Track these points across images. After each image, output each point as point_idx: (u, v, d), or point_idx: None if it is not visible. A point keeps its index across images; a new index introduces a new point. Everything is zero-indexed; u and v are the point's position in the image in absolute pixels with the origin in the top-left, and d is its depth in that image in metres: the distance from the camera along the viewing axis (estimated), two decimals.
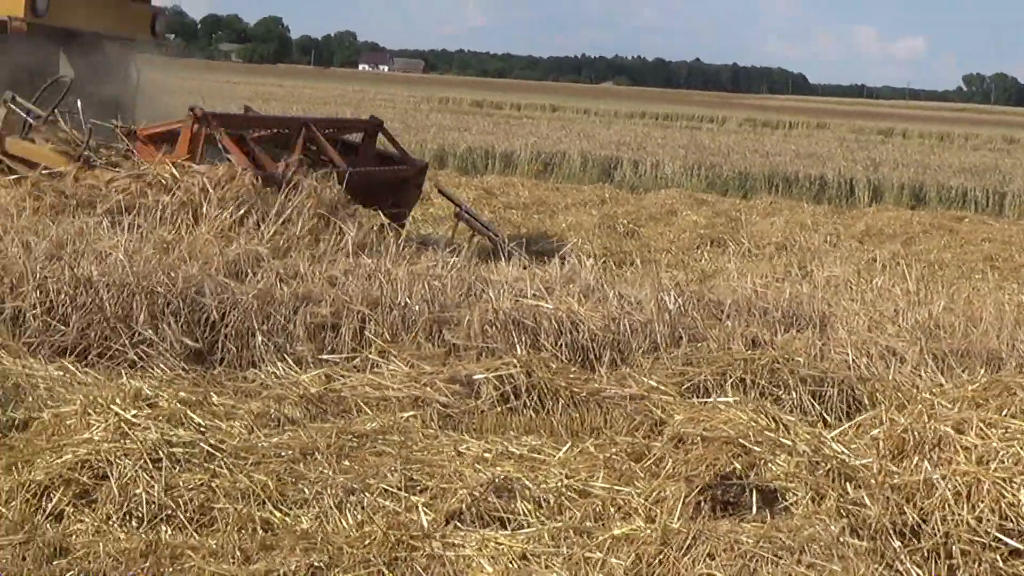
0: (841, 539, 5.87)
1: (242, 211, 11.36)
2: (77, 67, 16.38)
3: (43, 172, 12.43)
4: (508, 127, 40.00)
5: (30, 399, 7.44)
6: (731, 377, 8.64)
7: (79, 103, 13.31)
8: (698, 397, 8.29)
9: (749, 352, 9.04)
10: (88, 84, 15.48)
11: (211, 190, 11.59)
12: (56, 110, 13.16)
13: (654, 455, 6.79)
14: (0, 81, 14.74)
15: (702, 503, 6.23)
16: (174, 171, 11.96)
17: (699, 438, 6.71)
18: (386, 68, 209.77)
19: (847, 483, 6.48)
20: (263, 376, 8.59)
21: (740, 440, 6.66)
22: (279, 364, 8.75)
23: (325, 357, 8.97)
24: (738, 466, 6.48)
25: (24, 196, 11.96)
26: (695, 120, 65.27)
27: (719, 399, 7.70)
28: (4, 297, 9.16)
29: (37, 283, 9.19)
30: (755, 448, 6.67)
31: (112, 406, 6.73)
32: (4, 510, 6.05)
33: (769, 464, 6.59)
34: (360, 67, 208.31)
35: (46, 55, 16.23)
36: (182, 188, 11.67)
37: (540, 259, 12.17)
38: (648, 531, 5.87)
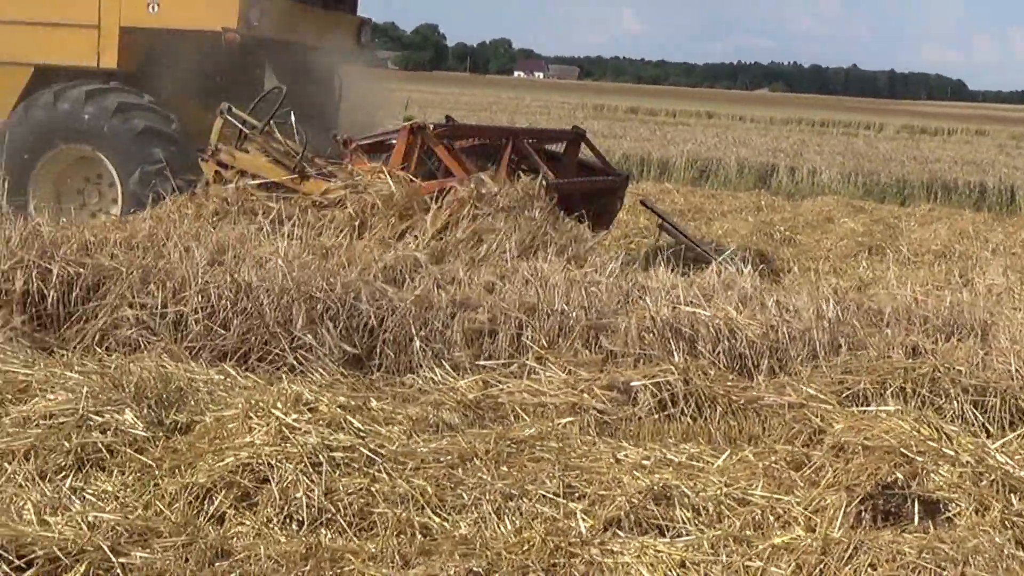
0: (1006, 551, 5.75)
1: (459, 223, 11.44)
2: (283, 77, 16.48)
3: (258, 182, 12.66)
4: (663, 134, 39.89)
5: (192, 402, 7.53)
6: (891, 386, 8.52)
7: (292, 114, 13.51)
8: (857, 406, 8.17)
9: (909, 361, 8.90)
10: (293, 94, 15.75)
11: (431, 205, 11.68)
12: (271, 120, 13.30)
13: (814, 464, 6.71)
14: (210, 91, 14.95)
15: (863, 513, 6.14)
16: (390, 181, 12.08)
17: (860, 447, 6.62)
18: (541, 75, 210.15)
19: (1012, 494, 6.35)
20: (420, 382, 8.64)
21: (902, 450, 6.55)
22: (436, 370, 8.79)
23: (482, 363, 9.00)
24: (900, 476, 6.37)
25: (186, 203, 12.19)
26: (852, 127, 64.54)
27: (880, 408, 7.58)
28: (167, 302, 9.32)
29: (199, 288, 9.34)
30: (917, 458, 6.55)
31: (273, 410, 6.79)
32: (168, 512, 6.13)
33: (931, 474, 6.48)
34: (516, 74, 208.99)
35: (254, 65, 16.46)
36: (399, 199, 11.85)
37: (698, 266, 12.08)
38: (808, 540, 5.80)
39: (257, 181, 12.61)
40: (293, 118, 13.34)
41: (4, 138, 14.33)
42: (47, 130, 14.25)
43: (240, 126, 13.17)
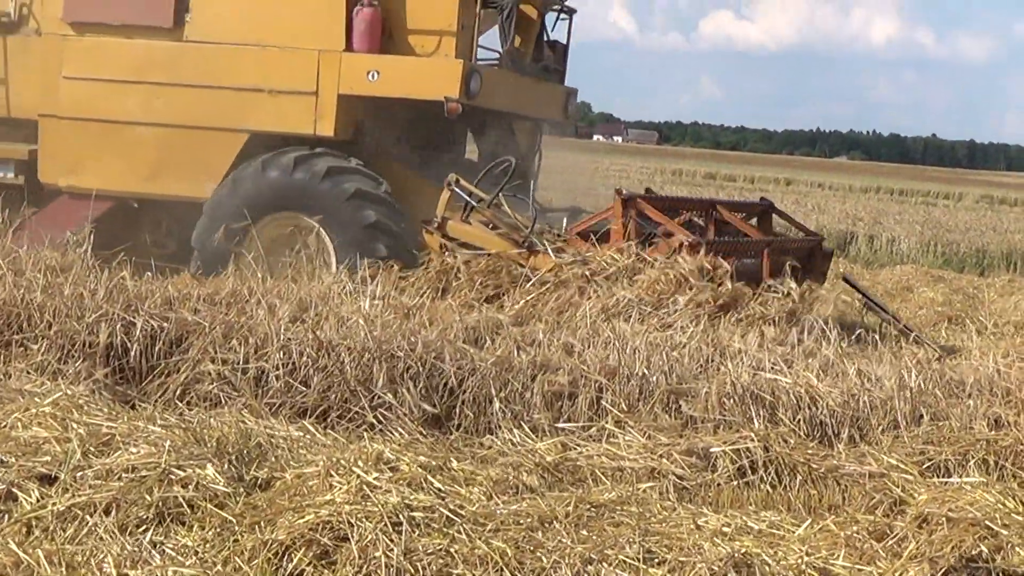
0: None
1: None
2: (483, 145, 16.71)
3: (484, 255, 12.78)
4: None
5: (272, 459, 7.53)
6: (973, 457, 8.43)
7: (532, 185, 13.64)
8: (939, 477, 8.09)
9: (992, 432, 8.82)
10: (489, 162, 15.81)
11: (689, 274, 11.76)
12: (502, 193, 13.40)
13: (896, 534, 6.62)
14: (418, 159, 15.20)
15: None
16: (625, 257, 12.19)
17: (944, 519, 6.54)
18: (620, 139, 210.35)
19: None
20: (499, 443, 8.62)
21: (986, 522, 6.47)
22: (515, 431, 8.77)
23: (561, 426, 8.98)
24: (984, 549, 6.28)
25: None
26: (931, 196, 64.17)
27: (965, 480, 7.49)
28: (248, 358, 9.37)
29: (281, 344, 9.39)
30: (1002, 531, 6.48)
31: (354, 468, 6.79)
32: (247, 568, 6.13)
33: (1017, 548, 6.39)
34: (595, 137, 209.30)
35: (458, 133, 16.67)
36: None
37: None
38: None
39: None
40: (532, 191, 13.52)
41: (231, 192, 14.42)
42: (257, 198, 14.29)
43: (467, 198, 13.26)
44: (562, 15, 16.79)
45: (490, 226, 13.22)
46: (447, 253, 13.05)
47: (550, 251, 12.63)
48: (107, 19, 15.17)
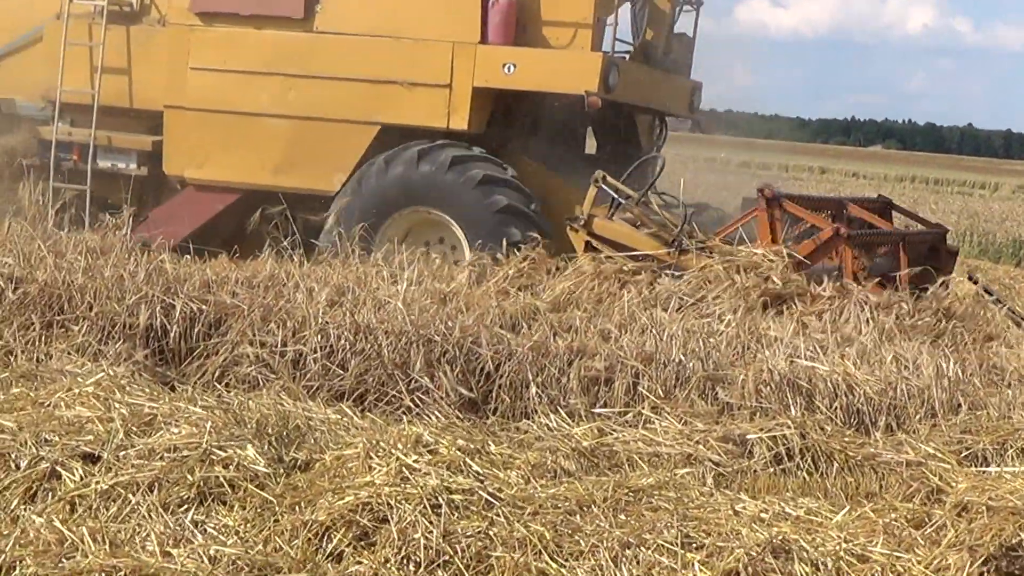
0: None
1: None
2: (603, 139, 16.72)
3: (631, 255, 12.65)
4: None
5: (311, 441, 7.58)
6: (1012, 447, 8.41)
7: (682, 184, 13.70)
8: (976, 466, 8.08)
9: None
10: (615, 155, 15.78)
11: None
12: (650, 191, 13.31)
13: (935, 523, 6.62)
14: (546, 153, 15.07)
15: (986, 574, 6.05)
16: (775, 257, 12.14)
17: (984, 507, 6.52)
18: None
19: None
20: (536, 428, 8.64)
21: None
22: (552, 416, 8.79)
23: (598, 411, 9.00)
24: None
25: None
26: (967, 186, 63.84)
27: (1005, 468, 7.49)
28: (287, 340, 9.43)
29: (319, 328, 9.44)
30: None
31: (394, 451, 6.83)
32: (287, 548, 6.17)
33: None
34: None
35: (577, 127, 16.55)
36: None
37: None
38: None
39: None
40: (681, 190, 13.49)
41: (356, 192, 14.39)
42: (383, 196, 14.25)
43: (614, 195, 13.15)
44: (688, 7, 16.64)
45: (637, 224, 13.08)
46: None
47: (694, 251, 12.51)
48: (237, 10, 15.07)
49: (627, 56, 15.38)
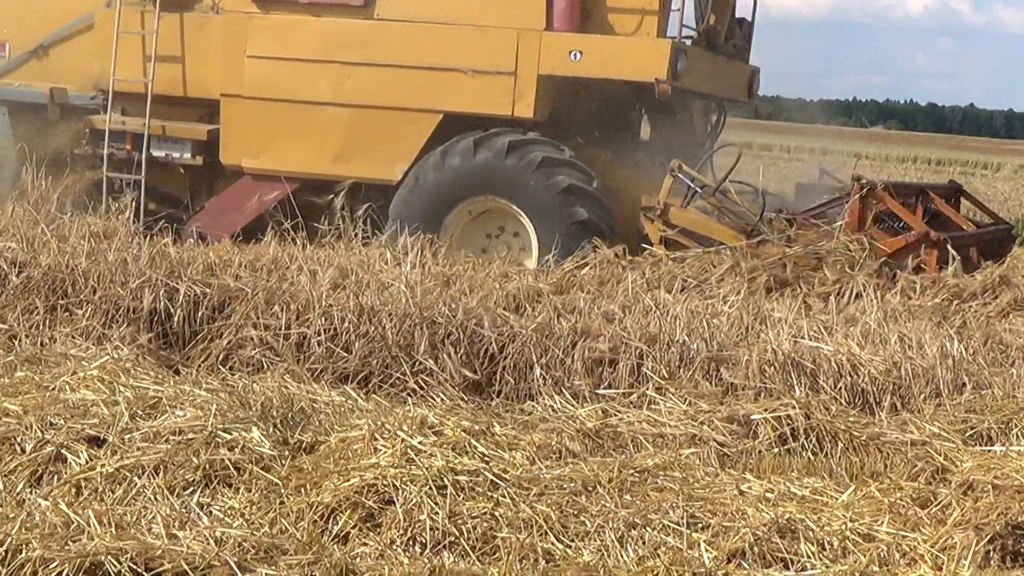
0: None
1: None
2: (657, 125, 16.43)
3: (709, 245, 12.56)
4: (777, 169, 39.55)
5: (316, 423, 7.59)
6: (1016, 426, 8.39)
7: (760, 173, 13.44)
8: (981, 445, 8.08)
9: None
10: (668, 142, 15.60)
11: None
12: (727, 180, 13.27)
13: (940, 502, 6.62)
14: (607, 140, 15.03)
15: (991, 553, 6.05)
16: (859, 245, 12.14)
17: (989, 486, 6.53)
18: None
19: None
20: (540, 409, 8.65)
21: None
22: (556, 398, 8.79)
23: (602, 392, 9.00)
24: None
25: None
26: (968, 165, 63.66)
27: (1011, 447, 7.49)
28: (290, 323, 9.44)
29: (322, 310, 9.44)
30: None
31: (399, 432, 6.83)
32: (293, 530, 6.17)
33: None
34: None
35: (632, 114, 16.35)
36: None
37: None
38: None
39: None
40: (761, 177, 13.24)
41: (414, 187, 14.19)
42: (460, 181, 14.06)
43: (691, 184, 13.06)
44: None
45: (714, 214, 13.01)
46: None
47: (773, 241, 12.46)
48: None
49: (690, 41, 15.15)
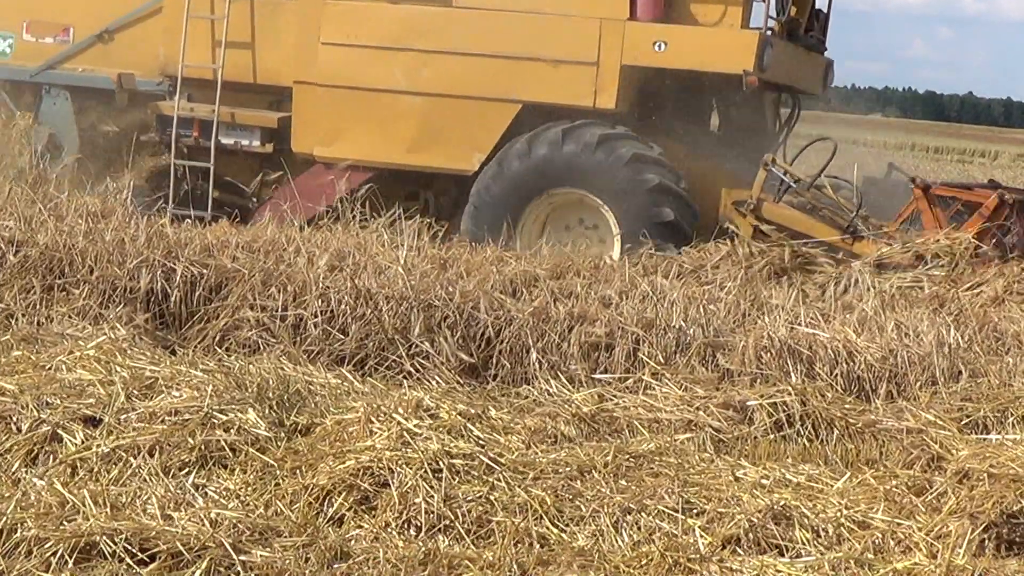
0: None
1: None
2: (727, 117, 16.21)
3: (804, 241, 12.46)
4: (778, 155, 39.56)
5: (312, 405, 7.59)
6: (1012, 414, 8.40)
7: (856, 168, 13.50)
8: (977, 433, 8.08)
9: None
10: (736, 135, 15.51)
11: None
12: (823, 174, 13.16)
13: (936, 490, 6.63)
14: (681, 133, 14.73)
15: (987, 541, 6.07)
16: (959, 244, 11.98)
17: (984, 474, 6.53)
18: None
19: None
20: (536, 393, 8.67)
21: None
22: (552, 382, 8.80)
23: (598, 377, 9.01)
24: None
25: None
26: (966, 154, 63.66)
27: (1007, 436, 7.50)
28: (287, 305, 9.43)
29: (319, 292, 9.44)
30: None
31: (395, 415, 6.83)
32: (288, 512, 6.19)
33: None
34: None
35: (704, 105, 16.07)
36: None
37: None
38: (931, 567, 5.74)
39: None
40: (855, 174, 13.25)
41: (497, 174, 13.98)
42: (546, 171, 13.81)
43: (784, 179, 12.92)
44: None
45: (809, 209, 12.89)
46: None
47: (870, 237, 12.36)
48: None
49: (770, 33, 14.79)
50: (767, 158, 13.07)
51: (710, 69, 13.91)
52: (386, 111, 14.47)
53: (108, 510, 5.80)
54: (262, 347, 9.19)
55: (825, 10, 16.35)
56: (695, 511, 6.35)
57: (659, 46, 13.76)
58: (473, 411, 7.27)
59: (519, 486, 6.41)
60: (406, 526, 6.13)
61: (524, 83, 14.11)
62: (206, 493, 6.30)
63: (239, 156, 15.19)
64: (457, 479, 6.41)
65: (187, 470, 6.49)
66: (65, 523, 5.63)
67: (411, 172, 14.59)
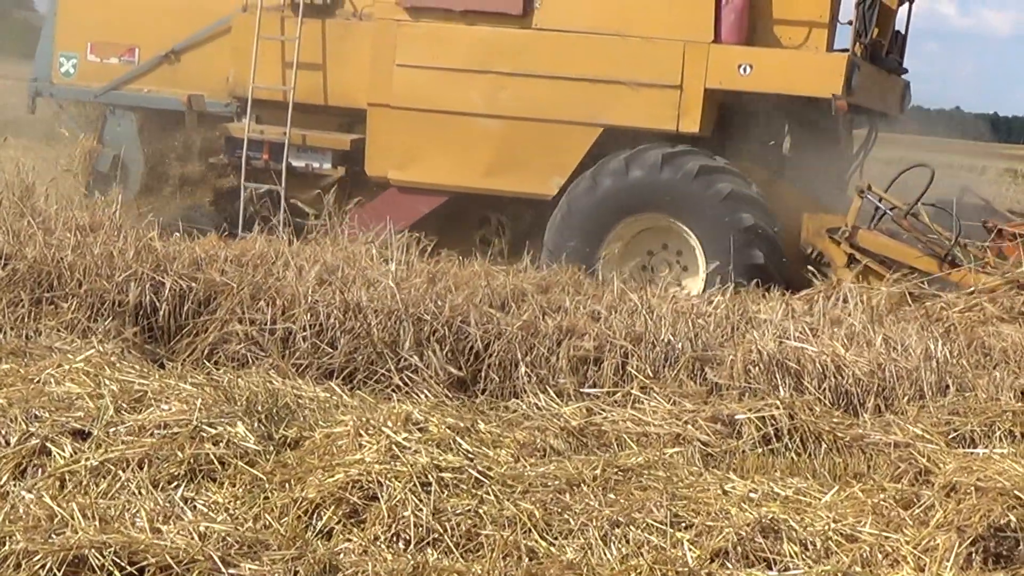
0: None
1: None
2: (800, 139, 15.77)
3: (902, 272, 12.27)
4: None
5: (300, 418, 7.58)
6: (999, 428, 8.43)
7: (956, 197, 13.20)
8: (964, 447, 8.11)
9: (1018, 404, 8.82)
10: (807, 158, 15.19)
11: None
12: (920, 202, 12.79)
13: (923, 503, 6.63)
14: (761, 158, 14.50)
15: (974, 555, 6.07)
16: None
17: (972, 488, 6.54)
18: None
19: None
20: (525, 407, 8.67)
21: (1015, 492, 6.45)
22: (541, 396, 8.81)
23: (587, 390, 9.03)
24: (1013, 519, 6.27)
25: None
26: (953, 168, 63.76)
27: (994, 450, 7.52)
28: (276, 319, 9.44)
29: (308, 306, 9.44)
30: None
31: (384, 428, 6.84)
32: (277, 525, 6.18)
33: None
34: None
35: (776, 127, 15.64)
36: None
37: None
38: None
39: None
40: (955, 204, 12.90)
41: (573, 204, 13.69)
42: (617, 198, 13.52)
43: (878, 205, 12.72)
44: (906, 1, 15.85)
45: (905, 237, 12.67)
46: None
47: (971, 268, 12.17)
48: (449, 5, 14.22)
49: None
50: (862, 184, 12.87)
51: (797, 92, 13.65)
52: (463, 134, 14.17)
53: (97, 523, 5.79)
54: (251, 361, 9.20)
55: (903, 31, 16.06)
56: (683, 524, 6.35)
57: (744, 69, 13.50)
58: (462, 425, 7.27)
59: (508, 499, 6.42)
60: (395, 539, 6.12)
61: (605, 106, 13.82)
62: (195, 506, 6.28)
63: (308, 179, 14.86)
64: (446, 492, 6.41)
65: (176, 483, 6.48)
66: (54, 536, 5.62)
67: (486, 196, 14.35)
